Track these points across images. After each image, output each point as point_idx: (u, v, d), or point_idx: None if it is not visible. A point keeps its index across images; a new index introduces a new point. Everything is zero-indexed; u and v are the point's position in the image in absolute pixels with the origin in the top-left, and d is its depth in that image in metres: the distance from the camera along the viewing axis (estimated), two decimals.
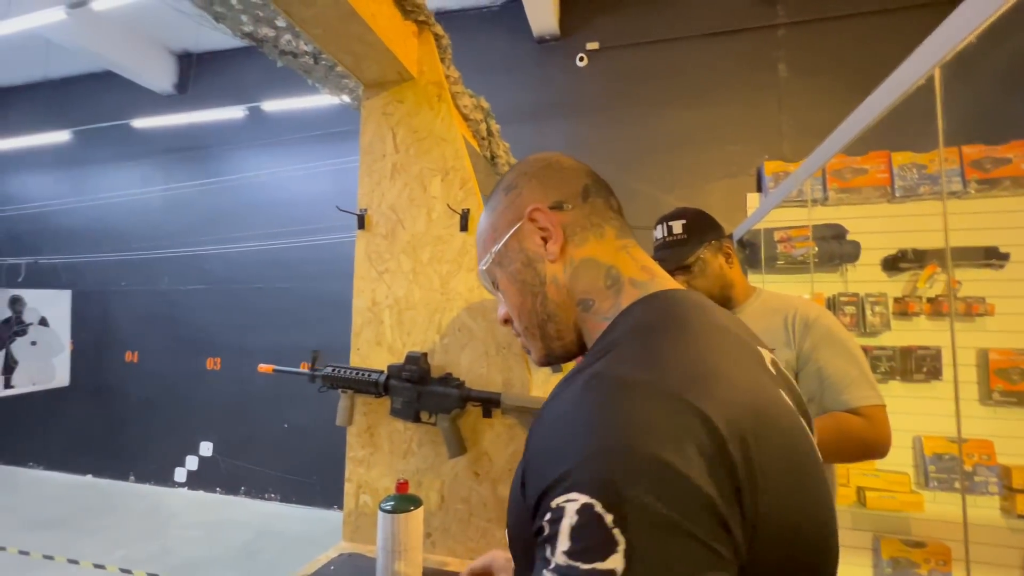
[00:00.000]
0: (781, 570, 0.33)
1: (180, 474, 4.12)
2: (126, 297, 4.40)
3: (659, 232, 1.39)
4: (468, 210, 1.23)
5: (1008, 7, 0.86)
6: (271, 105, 3.99)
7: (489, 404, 1.13)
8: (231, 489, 3.98)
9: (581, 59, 3.49)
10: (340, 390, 1.23)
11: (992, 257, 2.59)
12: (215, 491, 4.02)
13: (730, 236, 1.90)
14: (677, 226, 1.34)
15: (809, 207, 2.79)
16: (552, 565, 0.31)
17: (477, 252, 0.61)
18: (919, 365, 2.61)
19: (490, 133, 1.74)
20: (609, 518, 0.29)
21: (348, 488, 1.25)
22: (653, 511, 0.29)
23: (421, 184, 1.28)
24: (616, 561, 0.29)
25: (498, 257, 0.57)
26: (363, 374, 1.20)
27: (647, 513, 0.29)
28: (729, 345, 0.41)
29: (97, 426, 4.34)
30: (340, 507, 3.73)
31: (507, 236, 0.55)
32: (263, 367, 1.33)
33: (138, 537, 3.19)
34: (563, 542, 0.31)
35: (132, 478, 4.21)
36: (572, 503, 0.31)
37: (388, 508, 1.00)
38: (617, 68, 3.47)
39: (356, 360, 1.28)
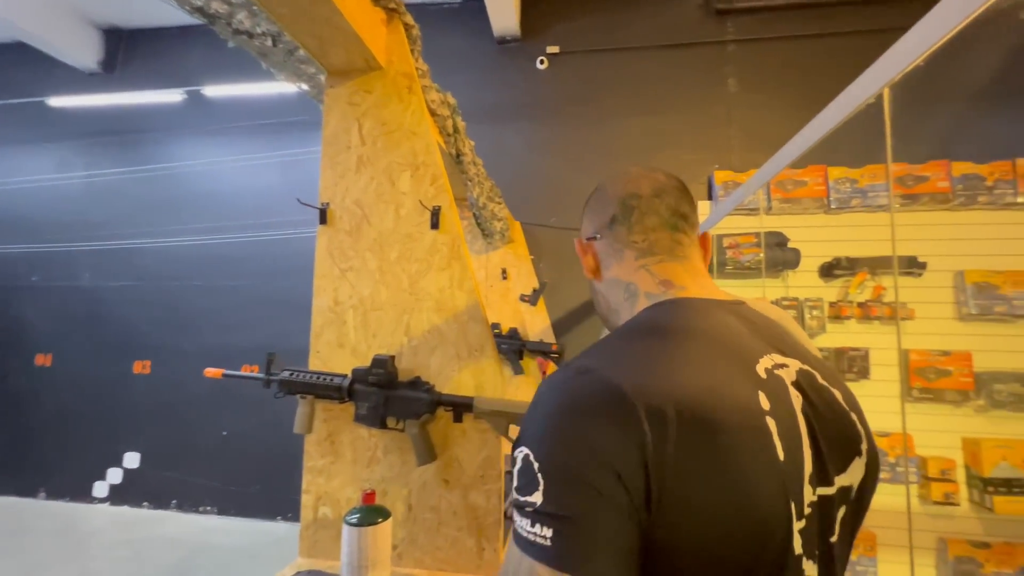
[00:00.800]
0: (699, 545, 0.40)
1: (100, 488, 3.75)
2: (37, 293, 3.97)
3: None
4: (439, 207, 1.19)
5: (954, 33, 0.93)
6: (214, 90, 3.73)
7: (461, 409, 1.10)
8: (161, 503, 3.67)
9: (542, 62, 3.51)
10: (299, 396, 1.15)
11: (912, 266, 2.84)
12: (142, 506, 3.70)
13: None
14: None
15: (761, 215, 2.94)
16: (511, 497, 0.44)
17: None
18: (850, 365, 2.81)
19: (456, 130, 1.70)
20: (536, 465, 0.41)
21: (306, 500, 1.17)
22: (562, 462, 0.40)
23: (389, 179, 1.22)
24: (537, 496, 0.40)
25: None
26: (325, 378, 1.13)
27: (558, 463, 0.41)
28: (698, 350, 0.47)
29: None
30: (285, 518, 3.53)
31: (578, 249, 0.69)
32: (210, 371, 1.22)
33: (53, 560, 2.87)
34: (516, 480, 0.43)
35: (43, 495, 3.80)
36: (520, 453, 0.43)
37: (354, 521, 0.95)
38: (577, 73, 3.51)
39: (316, 364, 1.21)
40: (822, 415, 0.47)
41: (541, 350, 2.17)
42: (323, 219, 1.24)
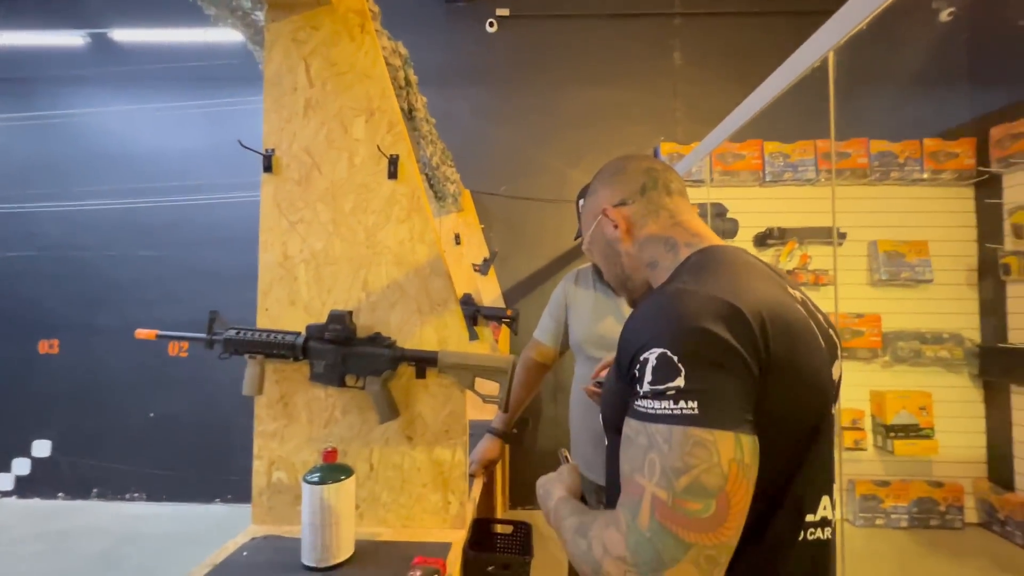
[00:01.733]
0: (787, 409, 0.54)
1: (4, 481, 3.39)
2: None
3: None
4: (397, 156, 1.13)
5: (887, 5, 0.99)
6: (124, 34, 3.32)
7: (425, 364, 1.07)
8: (79, 492, 3.37)
9: (491, 24, 3.41)
10: (247, 356, 1.07)
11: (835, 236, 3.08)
12: (56, 497, 3.38)
13: None
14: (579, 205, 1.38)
15: (707, 187, 3.06)
16: (642, 392, 0.52)
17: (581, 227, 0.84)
18: None
19: (408, 83, 1.61)
20: (676, 357, 0.50)
21: (258, 466, 1.11)
22: (699, 351, 0.50)
23: (341, 124, 1.14)
24: (679, 380, 0.50)
25: (591, 238, 0.79)
26: (276, 336, 1.05)
27: (696, 352, 0.50)
28: (756, 273, 0.62)
29: None
30: (224, 500, 3.36)
31: (592, 226, 0.77)
32: (142, 332, 1.11)
33: None
34: (648, 376, 0.52)
35: None
36: (652, 353, 0.52)
37: (315, 480, 0.91)
38: (527, 38, 3.44)
39: (265, 322, 1.13)
40: (822, 327, 0.64)
41: (496, 315, 2.16)
42: (268, 167, 1.14)
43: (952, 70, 3.22)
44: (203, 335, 1.08)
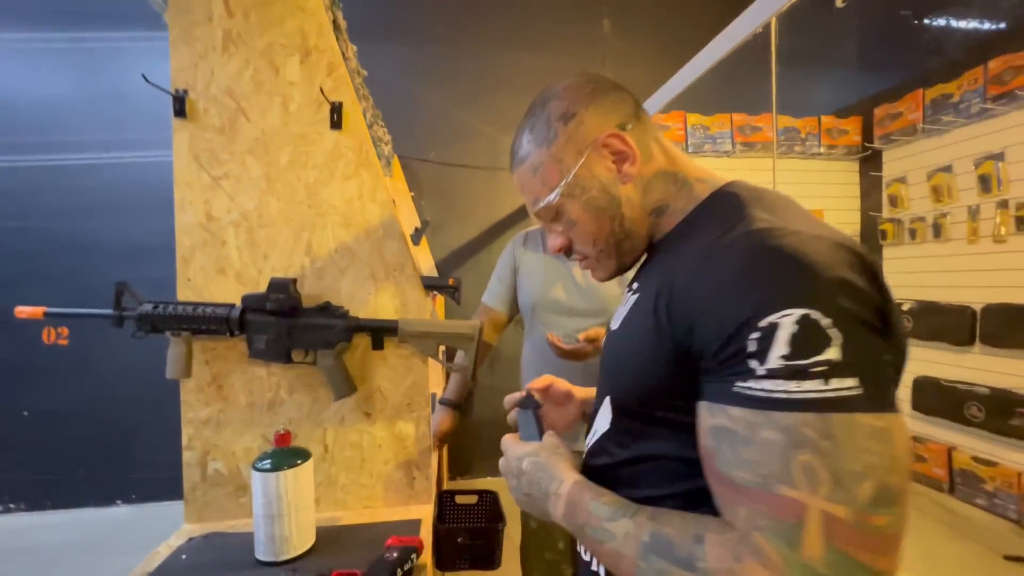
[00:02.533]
0: (899, 360, 0.44)
1: None
2: None
3: None
4: (341, 104, 1.00)
5: None
6: None
7: (383, 333, 0.99)
8: None
9: None
10: (169, 334, 0.92)
11: None
12: None
13: None
14: None
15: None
16: (764, 371, 0.38)
17: (529, 187, 0.60)
18: None
19: (337, 27, 1.45)
20: (826, 321, 0.37)
21: (189, 457, 0.97)
22: (855, 313, 0.38)
23: (271, 64, 0.99)
24: (832, 352, 0.36)
25: (568, 189, 0.57)
26: (206, 309, 0.91)
27: (851, 315, 0.37)
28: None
29: None
30: (127, 500, 3.01)
31: (577, 166, 0.56)
32: (24, 310, 0.91)
33: None
34: (779, 348, 0.37)
35: None
36: (787, 317, 0.37)
37: (267, 467, 0.81)
38: None
39: (188, 294, 0.97)
40: None
41: (437, 285, 2.08)
42: (180, 110, 0.96)
43: (844, 53, 3.55)
44: (109, 311, 0.90)
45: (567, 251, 0.62)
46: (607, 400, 0.56)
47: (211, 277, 0.98)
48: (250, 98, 0.98)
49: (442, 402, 1.38)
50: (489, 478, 3.16)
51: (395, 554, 0.77)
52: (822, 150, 3.36)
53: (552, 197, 0.58)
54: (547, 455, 0.56)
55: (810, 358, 0.36)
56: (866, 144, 3.37)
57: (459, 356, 1.15)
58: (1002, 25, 2.64)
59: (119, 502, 2.99)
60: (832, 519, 0.34)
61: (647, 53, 3.35)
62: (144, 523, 2.87)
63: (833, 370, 0.36)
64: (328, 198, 1.01)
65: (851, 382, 0.36)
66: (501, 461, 0.60)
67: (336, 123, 1.00)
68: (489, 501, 1.13)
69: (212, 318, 0.91)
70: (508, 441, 0.61)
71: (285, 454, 0.84)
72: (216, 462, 0.98)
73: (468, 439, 3.06)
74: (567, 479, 0.52)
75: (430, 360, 1.03)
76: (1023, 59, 2.31)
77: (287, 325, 0.94)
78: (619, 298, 1.36)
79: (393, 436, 1.02)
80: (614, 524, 0.45)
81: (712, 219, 0.51)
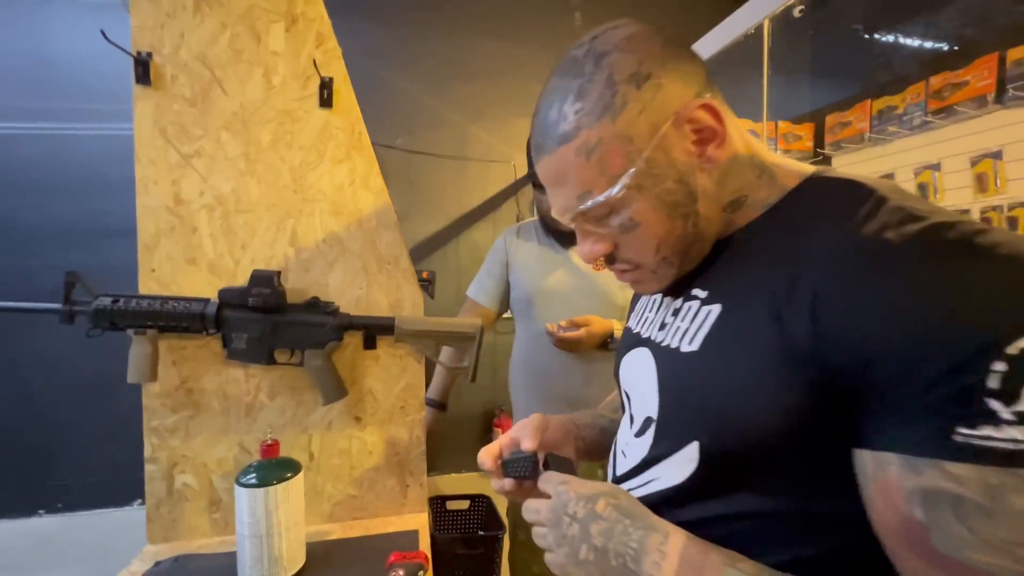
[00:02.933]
0: None
1: None
2: None
3: None
4: (331, 79, 0.91)
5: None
6: None
7: (377, 331, 0.91)
8: None
9: None
10: (131, 332, 0.80)
11: None
12: None
13: None
14: None
15: None
16: (1012, 412, 0.28)
17: (576, 177, 0.44)
18: None
19: None
20: None
21: (153, 471, 0.86)
22: None
23: (251, 30, 0.88)
24: None
25: (638, 178, 0.42)
26: (177, 304, 0.81)
27: None
28: None
29: None
30: (51, 511, 2.72)
31: (650, 147, 0.42)
32: None
33: None
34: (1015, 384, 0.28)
35: None
36: None
37: (252, 481, 0.72)
38: None
39: (151, 287, 0.86)
40: None
41: None
42: (144, 76, 0.84)
43: (801, 61, 3.71)
44: (56, 306, 0.78)
45: (609, 260, 0.49)
46: (692, 447, 0.42)
47: (179, 267, 0.87)
48: (227, 67, 0.87)
49: (428, 402, 1.31)
50: (465, 473, 3.11)
51: (401, 572, 0.71)
52: (778, 153, 3.52)
53: (616, 191, 0.42)
54: (627, 498, 0.43)
55: None
56: (818, 150, 3.56)
57: (444, 354, 1.09)
58: (943, 46, 2.84)
59: (41, 512, 2.69)
60: None
61: None
62: (72, 535, 2.60)
63: None
64: (316, 183, 0.92)
65: None
66: (543, 503, 0.46)
67: (326, 101, 0.91)
68: (482, 507, 1.08)
69: (184, 314, 0.80)
70: (560, 475, 0.47)
71: (273, 467, 0.75)
72: (185, 475, 0.87)
73: (438, 436, 2.99)
74: (672, 531, 0.40)
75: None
76: (961, 77, 2.50)
77: (271, 322, 0.85)
78: (619, 283, 1.31)
79: (386, 441, 0.95)
80: None
81: (825, 210, 0.40)
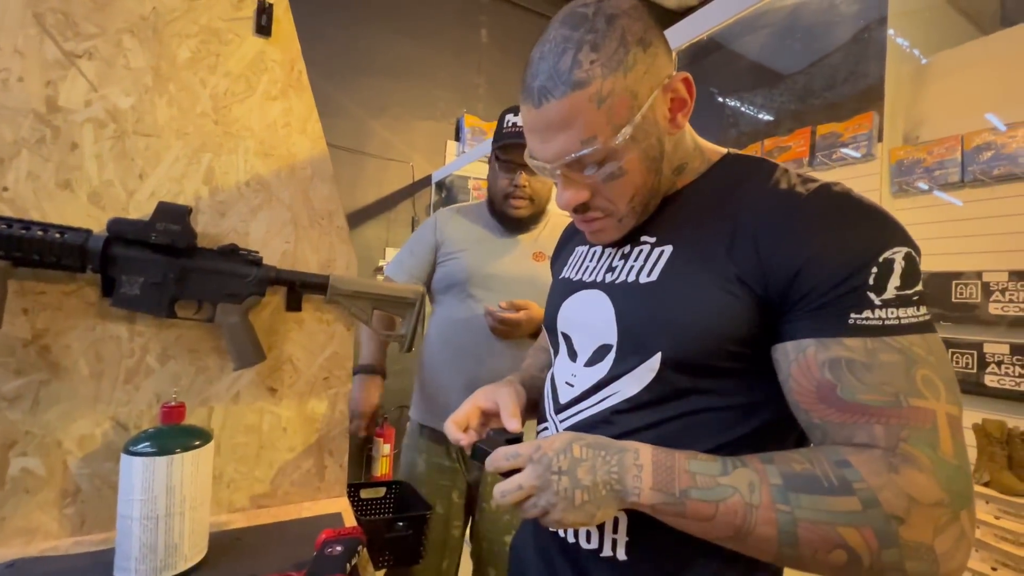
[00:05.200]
0: None
1: None
2: None
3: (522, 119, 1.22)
4: (272, 5, 0.82)
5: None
6: None
7: (308, 290, 0.81)
8: None
9: None
10: None
11: None
12: None
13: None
14: None
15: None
16: (881, 300, 0.42)
17: (584, 122, 0.48)
18: None
19: None
20: (918, 259, 0.44)
21: None
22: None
23: None
24: (920, 285, 0.44)
25: (635, 131, 0.49)
26: (48, 232, 0.63)
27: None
28: None
29: None
30: None
31: (647, 105, 0.48)
32: None
33: None
34: (895, 280, 0.42)
35: None
36: (898, 253, 0.42)
37: (148, 449, 0.59)
38: None
39: (5, 209, 0.66)
40: None
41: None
42: None
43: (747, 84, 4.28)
44: None
45: (582, 208, 0.54)
46: (655, 358, 0.49)
47: (47, 191, 0.68)
48: None
49: (362, 369, 1.15)
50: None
51: (339, 548, 0.63)
52: None
53: (619, 139, 0.48)
54: (588, 435, 0.47)
55: (913, 288, 0.42)
56: None
57: (376, 320, 1.01)
58: (771, 117, 3.51)
59: None
60: (952, 418, 0.39)
61: (517, 70, 3.54)
62: None
63: (922, 298, 0.43)
64: (243, 117, 0.80)
65: (924, 307, 0.44)
66: (523, 475, 0.45)
67: (263, 28, 0.81)
68: (402, 492, 1.01)
69: (56, 245, 0.63)
70: (522, 445, 0.47)
71: (176, 433, 0.62)
72: (27, 458, 0.67)
73: (379, 407, 2.71)
74: (639, 447, 0.45)
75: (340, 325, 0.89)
76: (786, 142, 3.09)
77: (178, 267, 0.71)
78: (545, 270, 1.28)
79: (304, 417, 0.84)
80: (731, 477, 0.41)
81: (745, 175, 0.52)
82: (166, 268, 0.70)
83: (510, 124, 1.14)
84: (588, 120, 0.48)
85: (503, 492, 0.46)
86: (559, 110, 0.48)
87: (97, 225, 0.70)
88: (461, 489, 1.12)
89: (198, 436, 0.63)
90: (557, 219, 1.31)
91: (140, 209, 0.73)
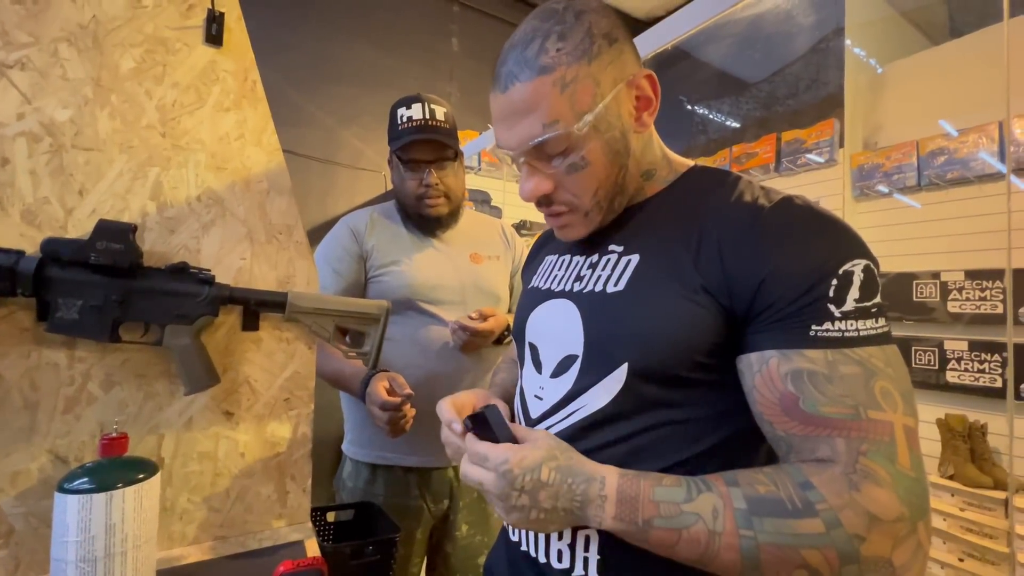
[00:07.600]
0: None
1: None
2: None
3: (417, 112, 1.05)
4: (223, 14, 0.79)
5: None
6: None
7: (265, 308, 0.78)
8: None
9: None
10: None
11: None
12: None
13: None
14: (441, 112, 1.07)
15: (475, 174, 3.23)
16: (841, 313, 0.42)
17: (546, 106, 0.49)
18: None
19: None
20: (876, 271, 0.44)
21: None
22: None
23: None
24: (879, 296, 0.44)
25: (597, 120, 0.50)
26: None
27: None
28: None
29: None
30: None
31: (609, 97, 0.50)
32: None
33: None
34: (854, 292, 0.42)
35: None
36: (857, 266, 0.43)
37: (85, 486, 0.55)
38: None
39: None
40: None
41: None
42: None
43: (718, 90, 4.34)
44: None
45: (546, 202, 0.54)
46: (622, 368, 0.49)
47: None
48: None
49: (371, 374, 0.97)
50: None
51: None
52: None
53: (581, 125, 0.48)
54: (563, 454, 0.45)
55: (871, 300, 0.43)
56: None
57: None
58: (738, 124, 3.59)
59: None
60: (909, 430, 0.40)
61: (489, 79, 3.54)
62: None
63: (880, 310, 0.44)
64: (193, 129, 0.77)
65: (883, 319, 0.44)
66: (486, 477, 0.45)
67: (214, 37, 0.78)
68: (371, 514, 0.97)
69: None
70: (493, 449, 0.46)
71: (117, 466, 0.58)
72: None
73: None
74: (607, 474, 0.44)
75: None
76: (753, 148, 3.16)
77: (121, 288, 0.67)
78: (498, 275, 1.17)
79: (263, 441, 0.81)
80: (695, 504, 0.40)
81: (710, 188, 0.52)
82: (107, 290, 0.66)
83: (404, 119, 1.04)
84: (551, 104, 0.49)
85: (464, 475, 0.47)
86: (523, 94, 0.49)
87: (32, 246, 0.66)
88: (427, 526, 1.07)
89: (142, 468, 0.60)
90: (469, 213, 1.22)
91: (80, 227, 0.69)
